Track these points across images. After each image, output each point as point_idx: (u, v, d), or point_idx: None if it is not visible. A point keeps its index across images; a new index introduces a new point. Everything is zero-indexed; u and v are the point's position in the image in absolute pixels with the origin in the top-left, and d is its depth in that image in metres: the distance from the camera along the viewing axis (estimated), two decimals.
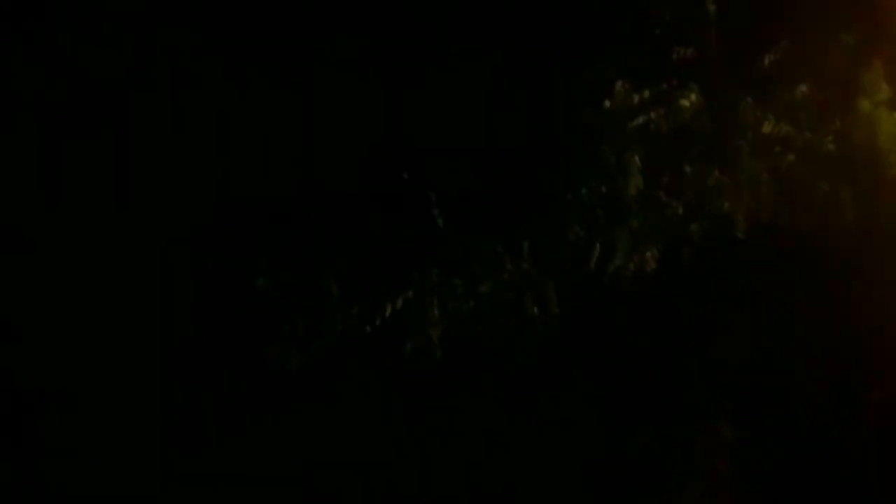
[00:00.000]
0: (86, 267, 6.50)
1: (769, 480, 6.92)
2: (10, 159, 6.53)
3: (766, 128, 6.85)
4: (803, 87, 6.85)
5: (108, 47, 6.47)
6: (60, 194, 6.54)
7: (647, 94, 6.85)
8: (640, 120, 6.86)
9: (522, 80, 6.89)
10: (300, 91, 6.68)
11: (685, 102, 6.84)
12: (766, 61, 6.88)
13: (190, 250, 6.53)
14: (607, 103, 6.85)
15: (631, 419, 6.90)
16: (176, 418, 6.60)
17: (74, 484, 6.51)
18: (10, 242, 6.47)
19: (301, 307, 6.50)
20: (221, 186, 6.55)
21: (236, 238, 6.52)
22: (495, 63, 6.83)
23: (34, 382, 6.51)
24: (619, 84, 6.83)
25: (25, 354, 6.50)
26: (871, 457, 6.89)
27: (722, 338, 6.99)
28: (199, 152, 6.57)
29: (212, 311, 6.55)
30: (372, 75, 6.72)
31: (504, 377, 6.74)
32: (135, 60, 6.49)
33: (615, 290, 6.76)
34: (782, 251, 6.90)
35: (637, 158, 6.81)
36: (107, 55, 6.47)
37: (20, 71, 6.50)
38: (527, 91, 6.88)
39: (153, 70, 6.52)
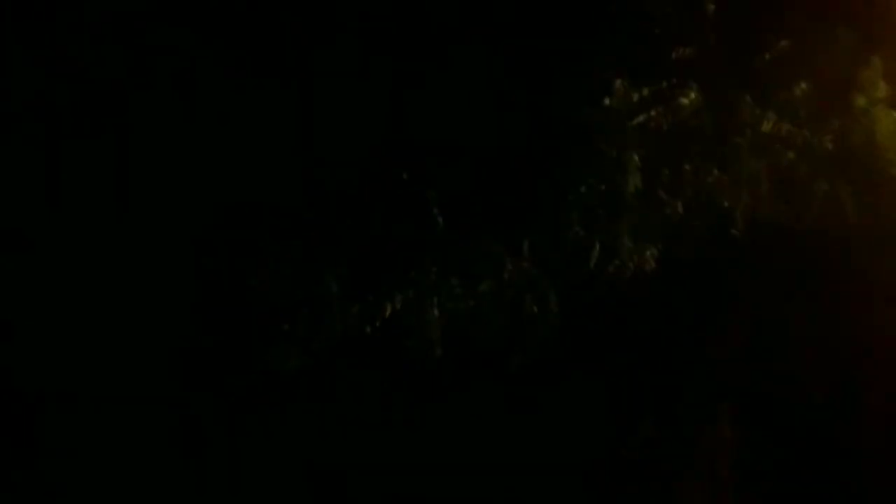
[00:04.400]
0: (86, 267, 6.49)
1: (769, 479, 6.92)
2: (10, 159, 6.52)
3: (766, 126, 6.84)
4: (802, 86, 6.84)
5: (107, 47, 6.46)
6: (61, 195, 6.53)
7: (646, 92, 6.85)
8: (640, 118, 6.87)
9: (522, 79, 6.88)
10: (300, 92, 6.68)
11: (684, 101, 6.84)
12: (765, 59, 6.89)
13: (190, 251, 6.52)
14: (607, 101, 6.86)
15: (631, 418, 6.90)
16: (176, 419, 6.60)
17: (74, 484, 6.51)
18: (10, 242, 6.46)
19: (302, 307, 6.50)
20: (221, 187, 6.54)
21: (236, 238, 6.52)
22: (495, 63, 6.83)
23: (34, 382, 6.50)
24: (618, 82, 6.83)
25: (25, 354, 6.49)
26: (871, 456, 6.89)
27: (721, 336, 6.99)
28: (199, 153, 6.56)
29: (212, 311, 6.54)
30: (372, 76, 6.72)
31: (503, 376, 6.74)
32: (135, 61, 6.48)
33: (615, 288, 6.76)
34: (781, 249, 6.90)
35: (636, 157, 6.81)
36: (107, 55, 6.47)
37: (20, 71, 6.49)
38: (526, 90, 6.87)
39: (153, 71, 6.51)
